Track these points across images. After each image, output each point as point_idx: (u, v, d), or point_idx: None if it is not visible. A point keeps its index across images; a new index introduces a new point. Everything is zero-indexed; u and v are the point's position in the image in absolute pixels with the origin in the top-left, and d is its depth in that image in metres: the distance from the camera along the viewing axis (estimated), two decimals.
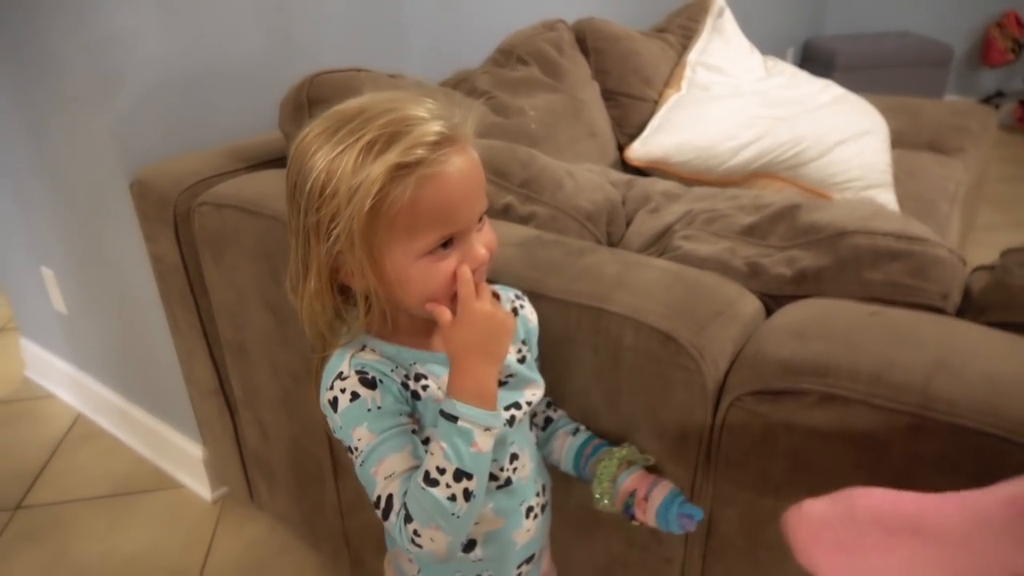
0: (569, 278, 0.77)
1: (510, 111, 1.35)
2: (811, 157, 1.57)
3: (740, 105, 1.62)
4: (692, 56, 1.75)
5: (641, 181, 1.09)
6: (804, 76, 1.78)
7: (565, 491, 0.81)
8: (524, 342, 0.73)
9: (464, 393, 0.58)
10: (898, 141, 1.98)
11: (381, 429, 0.60)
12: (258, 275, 1.08)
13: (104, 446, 1.72)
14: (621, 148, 1.65)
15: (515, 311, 0.74)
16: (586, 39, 1.70)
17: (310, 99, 1.15)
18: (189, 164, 1.23)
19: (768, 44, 3.47)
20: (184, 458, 1.55)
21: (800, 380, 0.62)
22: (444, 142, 0.58)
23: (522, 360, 0.72)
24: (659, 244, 0.89)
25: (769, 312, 0.76)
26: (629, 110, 1.70)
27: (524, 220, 0.97)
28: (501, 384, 0.68)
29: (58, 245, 1.57)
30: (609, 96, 1.70)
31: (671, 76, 1.75)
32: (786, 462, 0.66)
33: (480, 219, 0.63)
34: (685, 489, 0.73)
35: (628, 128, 1.69)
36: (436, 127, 0.58)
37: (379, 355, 0.63)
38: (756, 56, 1.81)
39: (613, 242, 0.98)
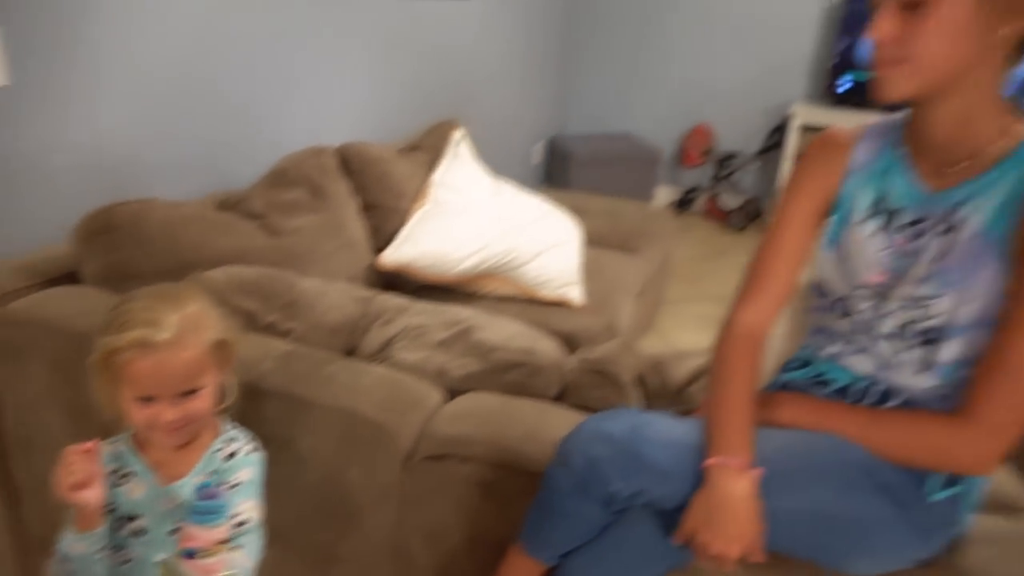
0: (315, 384, 1.12)
1: (281, 232, 1.67)
2: (522, 262, 2.06)
3: (471, 220, 2.08)
4: (436, 177, 2.20)
5: (379, 298, 1.46)
6: (521, 195, 2.30)
7: None
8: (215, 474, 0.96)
9: None
10: (599, 241, 2.58)
11: None
12: (51, 382, 1.29)
13: None
14: (380, 251, 2.04)
15: (232, 454, 0.98)
16: (350, 161, 2.07)
17: (104, 227, 1.40)
18: None
19: (521, 139, 4.11)
20: None
21: (453, 448, 1.02)
22: (136, 346, 0.86)
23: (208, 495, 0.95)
24: (384, 352, 1.27)
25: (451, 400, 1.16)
26: (385, 221, 2.09)
27: (285, 334, 1.30)
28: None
29: None
30: (368, 208, 2.09)
31: (419, 192, 2.17)
32: (451, 501, 1.05)
33: (188, 393, 0.89)
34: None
35: (384, 236, 2.08)
36: (133, 335, 0.86)
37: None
38: (486, 179, 2.30)
39: (353, 349, 1.34)
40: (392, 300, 1.46)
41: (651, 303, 2.80)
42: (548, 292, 2.08)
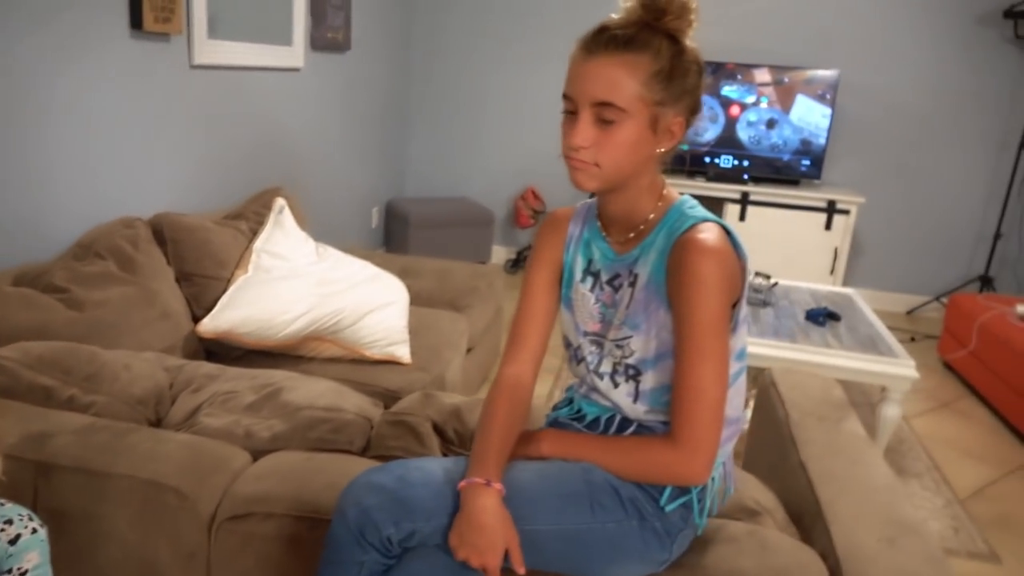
0: (114, 455, 1.12)
1: (86, 306, 1.63)
2: (348, 324, 2.11)
3: (295, 285, 2.12)
4: (258, 244, 2.22)
5: (190, 366, 1.47)
6: (347, 259, 2.36)
7: None
8: None
9: None
10: (428, 300, 2.68)
11: None
12: None
13: None
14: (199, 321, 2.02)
15: (16, 537, 0.94)
16: (163, 231, 2.05)
17: None
18: None
19: (359, 203, 4.18)
20: None
21: (255, 506, 1.06)
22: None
23: None
24: (191, 419, 1.28)
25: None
26: (205, 289, 2.08)
27: (86, 408, 1.28)
28: None
29: None
30: (187, 278, 2.07)
31: (241, 259, 2.18)
32: (258, 559, 1.08)
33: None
34: None
35: (204, 304, 2.06)
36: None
37: None
38: (310, 244, 2.35)
39: (160, 419, 1.33)
40: (204, 368, 1.47)
41: (485, 357, 2.92)
42: (376, 351, 2.14)
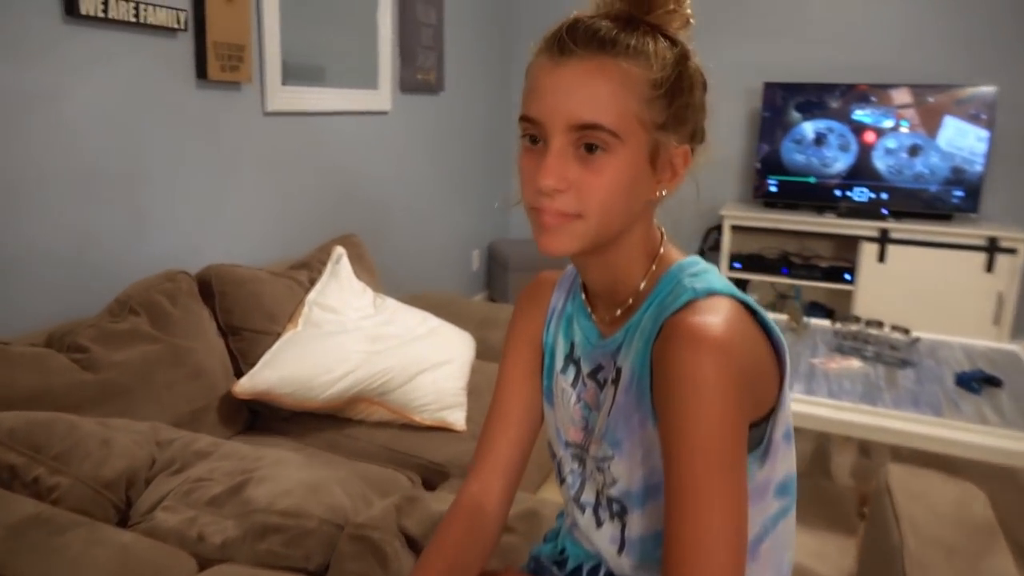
0: (36, 557, 0.95)
1: (102, 367, 1.53)
2: (397, 385, 1.91)
3: (343, 341, 1.95)
4: (311, 297, 2.08)
5: (183, 440, 1.31)
6: (405, 311, 2.18)
7: None
8: None
9: None
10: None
11: None
12: None
13: None
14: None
15: None
16: (211, 284, 1.96)
17: None
18: None
19: (458, 246, 4.04)
20: None
21: None
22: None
23: None
24: (150, 513, 1.11)
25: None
26: (253, 344, 1.96)
27: (49, 491, 1.14)
28: None
29: None
30: (235, 332, 1.96)
31: (293, 313, 2.05)
32: None
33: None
34: None
35: (252, 360, 1.93)
36: None
37: None
38: (368, 295, 2.19)
39: (130, 504, 1.17)
40: (199, 443, 1.31)
41: None
42: (426, 416, 1.92)
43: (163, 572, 0.95)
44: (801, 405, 2.09)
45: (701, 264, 0.76)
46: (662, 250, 0.78)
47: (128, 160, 1.97)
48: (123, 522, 1.13)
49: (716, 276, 0.74)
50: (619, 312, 0.79)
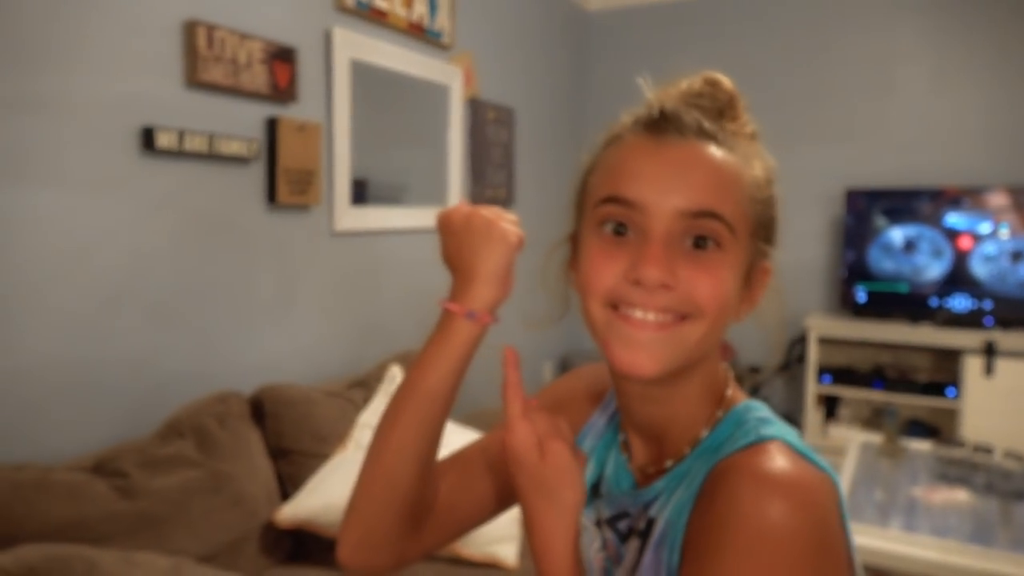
0: None
1: (140, 495, 1.51)
2: None
3: None
4: (363, 418, 2.04)
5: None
6: (459, 434, 2.09)
7: None
8: None
9: None
10: None
11: None
12: None
13: None
14: None
15: None
16: (264, 404, 1.95)
17: None
18: None
19: (525, 359, 3.96)
20: None
21: None
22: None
23: None
24: None
25: None
26: (302, 468, 1.92)
27: None
28: None
29: None
30: (284, 455, 1.92)
31: (344, 435, 2.01)
32: None
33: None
34: None
35: (300, 484, 1.89)
36: None
37: None
38: None
39: None
40: None
41: None
42: (474, 550, 1.80)
43: None
44: (900, 545, 1.84)
45: (763, 409, 0.64)
46: (729, 391, 0.66)
47: (197, 283, 2.03)
48: None
49: (788, 429, 0.61)
50: (669, 463, 0.65)
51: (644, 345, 0.59)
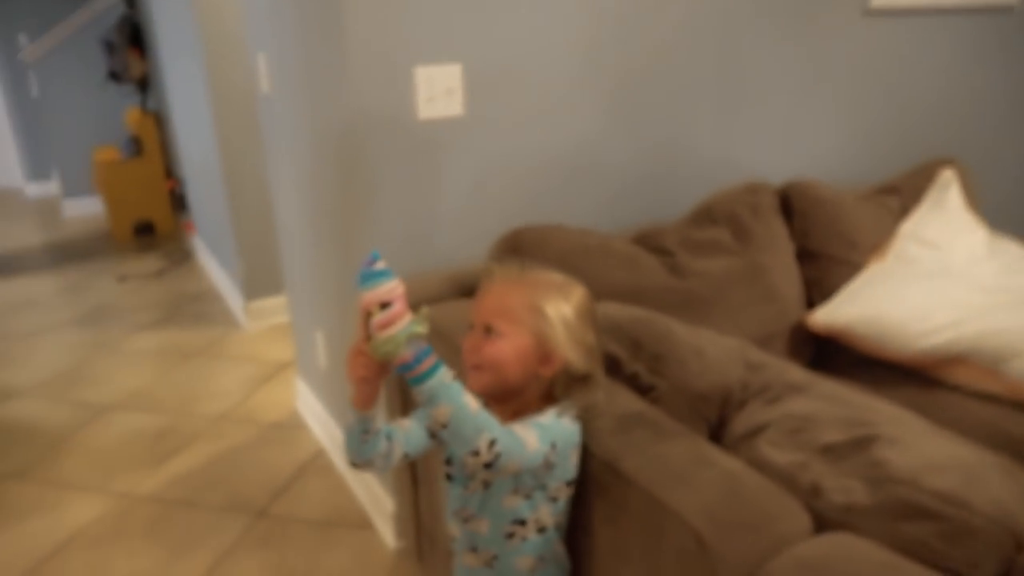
0: (642, 459, 0.92)
1: (686, 274, 1.49)
2: (1016, 352, 1.48)
3: (944, 287, 1.58)
4: (906, 228, 1.74)
5: (774, 367, 1.17)
6: None
7: None
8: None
9: None
10: None
11: None
12: None
13: (332, 481, 2.13)
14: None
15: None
16: (792, 201, 1.78)
17: (511, 248, 1.42)
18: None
19: None
20: (380, 507, 1.88)
21: None
22: (484, 274, 1.02)
23: None
24: (750, 440, 0.99)
25: (825, 529, 0.83)
26: (828, 273, 1.74)
27: (647, 389, 1.12)
28: None
29: (329, 317, 2.04)
30: (810, 257, 1.76)
31: (880, 244, 1.75)
32: None
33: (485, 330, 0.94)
34: None
35: (826, 290, 1.72)
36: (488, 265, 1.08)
37: None
38: (980, 234, 1.73)
39: (722, 424, 1.08)
40: (790, 373, 1.16)
41: None
42: None
43: (774, 520, 0.82)
44: None
45: None
46: None
47: (720, 69, 1.88)
48: (714, 440, 1.05)
49: None
50: None
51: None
